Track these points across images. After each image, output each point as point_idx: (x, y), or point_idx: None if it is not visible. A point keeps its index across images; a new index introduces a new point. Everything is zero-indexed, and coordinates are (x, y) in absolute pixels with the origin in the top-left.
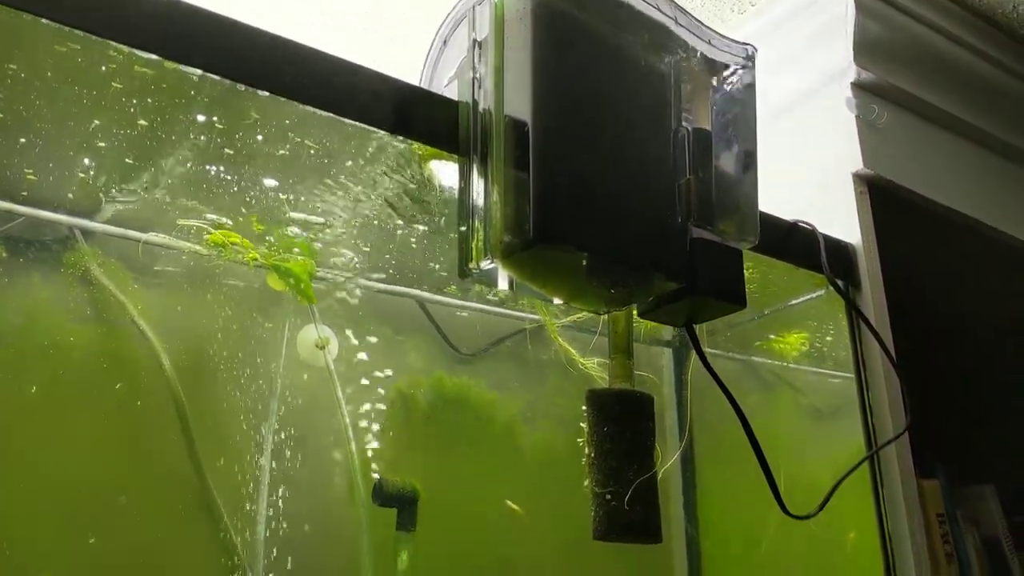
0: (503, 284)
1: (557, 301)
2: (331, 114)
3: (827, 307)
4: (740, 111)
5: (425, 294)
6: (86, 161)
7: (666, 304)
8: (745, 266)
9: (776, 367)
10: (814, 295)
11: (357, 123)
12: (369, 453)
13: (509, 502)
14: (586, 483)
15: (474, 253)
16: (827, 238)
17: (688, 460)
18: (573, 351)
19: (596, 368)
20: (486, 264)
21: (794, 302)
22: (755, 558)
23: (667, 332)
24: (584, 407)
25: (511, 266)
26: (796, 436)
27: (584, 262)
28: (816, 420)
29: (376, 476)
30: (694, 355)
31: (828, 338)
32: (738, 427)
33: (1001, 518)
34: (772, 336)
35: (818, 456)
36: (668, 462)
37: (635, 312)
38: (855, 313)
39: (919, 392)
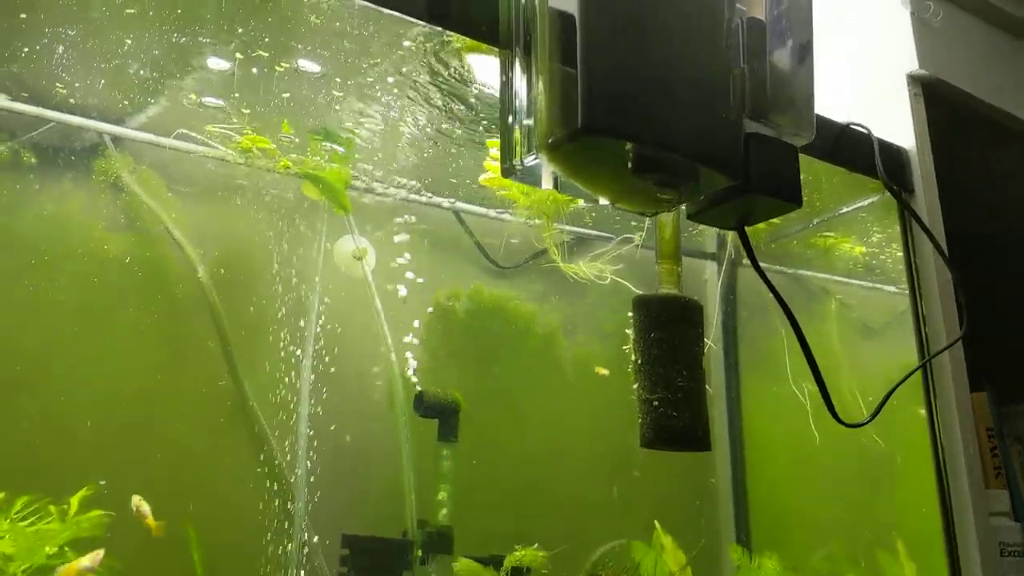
0: (547, 182)
1: (603, 202)
2: (368, 2)
3: (878, 216)
4: (794, 1)
5: (462, 205)
6: (115, 66)
7: (717, 204)
8: None
9: (825, 281)
10: (865, 202)
11: (395, 12)
12: (408, 365)
13: (598, 368)
14: (635, 388)
15: (518, 149)
16: (881, 141)
17: (732, 374)
18: (556, 253)
19: (585, 271)
20: (530, 160)
21: (845, 210)
22: (802, 470)
23: (711, 244)
24: (630, 314)
25: (557, 160)
26: (845, 352)
27: (631, 158)
28: (866, 336)
29: (417, 387)
30: (739, 268)
31: (879, 251)
32: (783, 342)
33: None
34: (822, 247)
35: (867, 371)
36: (711, 375)
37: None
38: (908, 214)
39: (967, 303)
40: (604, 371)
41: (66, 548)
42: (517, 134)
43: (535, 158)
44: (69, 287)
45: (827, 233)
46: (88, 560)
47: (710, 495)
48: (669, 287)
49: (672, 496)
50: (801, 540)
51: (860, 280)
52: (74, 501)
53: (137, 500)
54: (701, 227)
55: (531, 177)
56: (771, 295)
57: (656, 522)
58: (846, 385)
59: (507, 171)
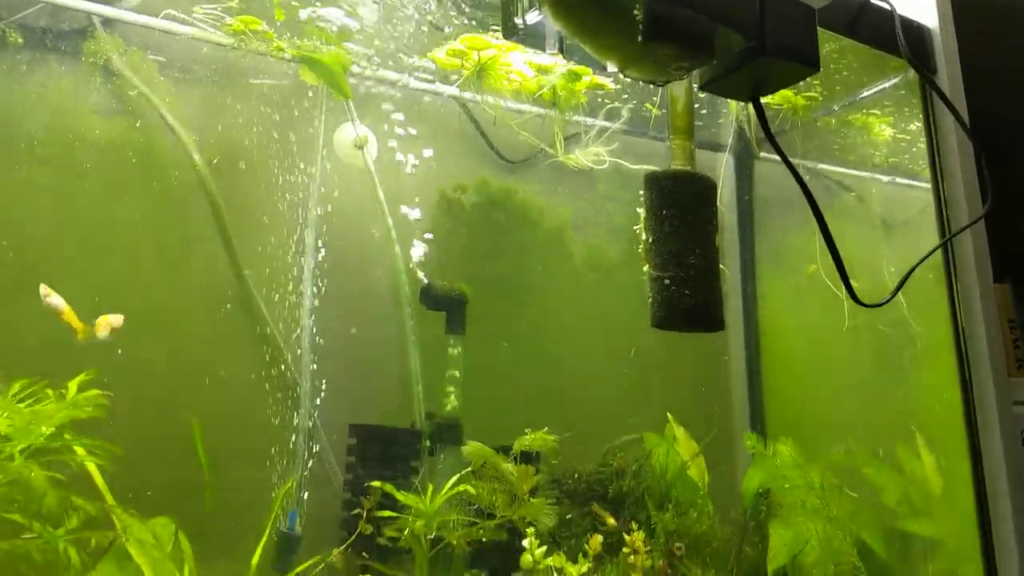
0: (552, 44)
1: (611, 69)
2: None
3: (900, 103)
4: None
5: (467, 95)
6: None
7: (730, 72)
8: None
9: (844, 176)
10: (887, 83)
11: None
12: (414, 256)
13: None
14: (645, 268)
15: (519, 5)
16: (903, 18)
17: (748, 267)
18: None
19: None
20: (533, 16)
21: (866, 93)
22: (819, 360)
23: (727, 137)
24: (641, 193)
25: (561, 16)
26: (862, 246)
27: (642, 15)
28: (886, 232)
29: (423, 279)
30: (756, 161)
31: (900, 142)
32: (800, 234)
33: None
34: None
35: (886, 265)
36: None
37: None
38: (931, 91)
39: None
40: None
41: (65, 433)
42: None
43: (539, 14)
44: (60, 172)
45: (847, 135)
46: (115, 318)
47: (725, 385)
48: (681, 163)
49: (686, 386)
50: (817, 430)
51: (881, 175)
52: (72, 385)
53: (44, 290)
54: (719, 120)
55: (534, 38)
56: (790, 184)
57: (668, 413)
58: (865, 277)
59: (508, 31)
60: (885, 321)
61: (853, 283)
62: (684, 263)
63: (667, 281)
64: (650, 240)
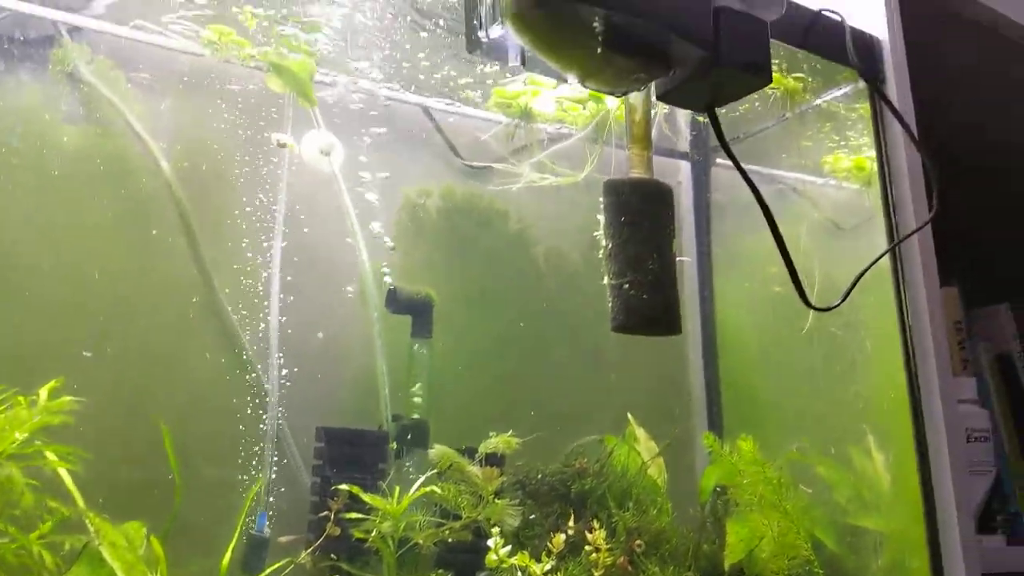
0: (514, 57)
1: (572, 80)
2: None
3: (850, 113)
4: None
5: (431, 102)
6: None
7: (686, 82)
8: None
9: (795, 181)
10: (839, 91)
11: None
12: (381, 261)
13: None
14: (605, 274)
15: (484, 20)
16: (853, 29)
17: (706, 272)
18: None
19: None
20: (496, 31)
21: (817, 102)
22: (774, 362)
23: (685, 143)
24: (601, 200)
25: (523, 31)
26: (814, 251)
27: (601, 28)
28: (835, 236)
29: (389, 283)
30: (713, 168)
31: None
32: (756, 238)
33: (1015, 335)
34: (796, 145)
35: (836, 270)
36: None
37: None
38: (880, 100)
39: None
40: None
41: (37, 440)
42: (483, 5)
43: (501, 28)
44: (26, 180)
45: (799, 144)
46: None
47: (684, 385)
48: (640, 171)
49: (647, 388)
50: (773, 430)
51: (832, 180)
52: (43, 391)
53: None
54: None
55: (497, 51)
56: (746, 189)
57: (629, 414)
58: (816, 282)
59: (472, 45)
60: (838, 324)
61: (806, 287)
62: (642, 268)
63: (626, 286)
64: (609, 246)
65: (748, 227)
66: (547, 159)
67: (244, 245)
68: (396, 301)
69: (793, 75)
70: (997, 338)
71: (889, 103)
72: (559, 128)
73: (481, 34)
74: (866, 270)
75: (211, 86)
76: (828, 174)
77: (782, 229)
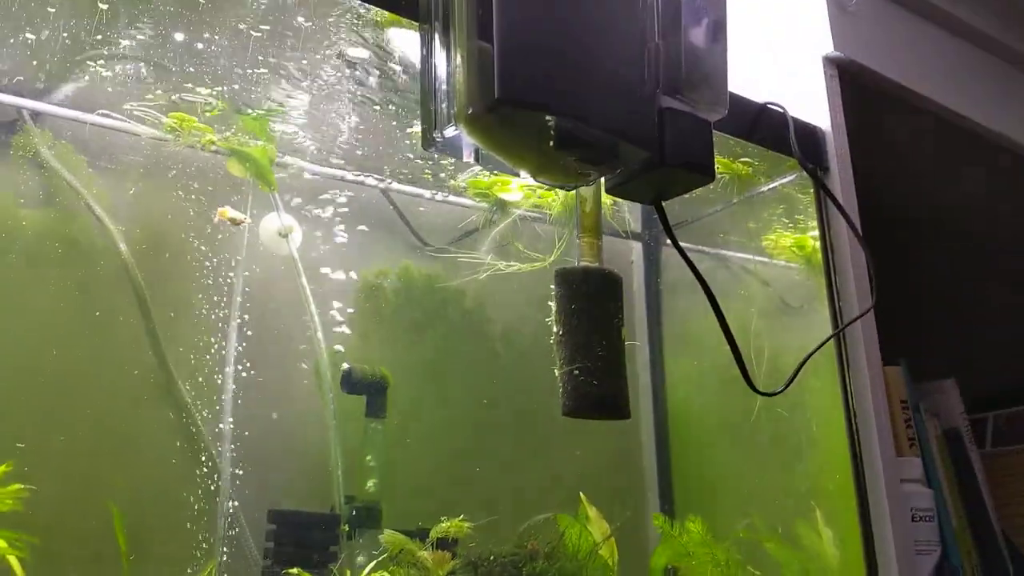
0: (468, 154)
1: (524, 175)
2: None
3: (795, 198)
4: None
5: (390, 184)
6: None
7: (634, 178)
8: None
9: (746, 261)
10: (785, 180)
11: None
12: (336, 342)
13: None
14: (556, 359)
15: (437, 120)
16: (797, 121)
17: (656, 352)
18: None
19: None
20: (450, 131)
21: (763, 189)
22: (724, 443)
23: (637, 225)
24: (552, 287)
25: (476, 132)
26: (763, 329)
27: (551, 128)
28: (784, 314)
29: (345, 364)
30: (664, 248)
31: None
32: (705, 319)
33: (962, 411)
34: (745, 227)
35: (786, 348)
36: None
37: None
38: (823, 192)
39: (884, 283)
40: None
41: None
42: (437, 106)
43: (456, 129)
44: None
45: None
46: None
47: (636, 468)
48: (589, 260)
49: (599, 470)
50: (724, 510)
51: (780, 261)
52: None
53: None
54: (628, 208)
55: (451, 149)
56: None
57: (581, 494)
58: (765, 361)
59: (427, 143)
60: (785, 405)
61: (753, 369)
62: (591, 355)
63: (576, 372)
64: (560, 332)
65: (699, 306)
66: (520, 245)
67: (200, 327)
68: (351, 381)
69: (742, 160)
70: (944, 413)
71: (831, 195)
72: (535, 213)
73: (436, 134)
74: (807, 358)
75: (172, 170)
76: (769, 253)
77: (735, 310)
